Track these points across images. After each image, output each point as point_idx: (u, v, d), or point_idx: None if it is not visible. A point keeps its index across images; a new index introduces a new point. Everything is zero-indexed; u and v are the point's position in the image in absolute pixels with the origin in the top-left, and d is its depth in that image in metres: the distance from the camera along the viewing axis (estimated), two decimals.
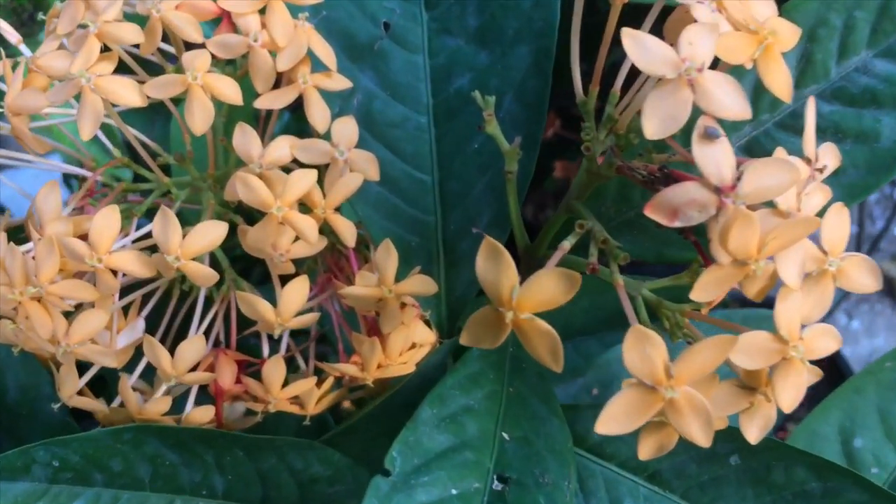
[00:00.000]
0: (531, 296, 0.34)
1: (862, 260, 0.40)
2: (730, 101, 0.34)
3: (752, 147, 0.46)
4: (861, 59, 0.44)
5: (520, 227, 0.47)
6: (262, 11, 0.46)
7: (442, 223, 0.53)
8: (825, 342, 0.39)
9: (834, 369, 1.38)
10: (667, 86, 0.34)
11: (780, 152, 0.37)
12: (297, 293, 0.47)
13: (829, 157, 0.40)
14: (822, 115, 0.44)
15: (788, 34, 0.39)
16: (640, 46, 0.34)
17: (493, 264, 0.35)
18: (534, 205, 1.22)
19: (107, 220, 0.43)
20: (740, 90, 0.35)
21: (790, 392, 0.38)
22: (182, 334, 0.53)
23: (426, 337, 0.53)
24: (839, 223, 0.40)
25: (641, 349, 0.34)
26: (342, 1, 0.52)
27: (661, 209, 0.35)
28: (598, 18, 0.46)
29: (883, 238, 1.33)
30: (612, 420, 0.35)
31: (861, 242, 1.33)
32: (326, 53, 0.47)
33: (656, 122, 0.34)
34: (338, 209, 0.48)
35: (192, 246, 0.43)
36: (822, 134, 0.45)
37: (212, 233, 0.43)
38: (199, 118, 0.43)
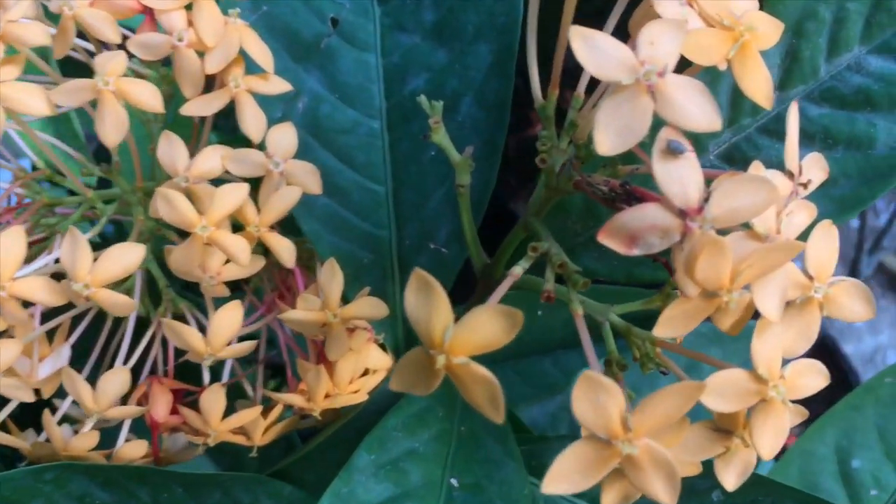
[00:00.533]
0: (466, 337, 0.30)
1: (852, 285, 0.35)
2: (696, 111, 0.30)
3: (733, 154, 0.41)
4: (854, 56, 0.39)
5: (475, 245, 0.42)
6: (190, 7, 0.42)
7: (396, 238, 0.48)
8: (811, 380, 0.35)
9: (836, 369, 1.34)
10: (623, 93, 0.30)
11: (756, 167, 0.32)
12: (228, 321, 0.42)
13: (815, 169, 0.36)
14: (810, 118, 0.40)
15: (769, 30, 0.35)
16: (590, 47, 0.30)
17: (424, 300, 0.30)
18: (526, 200, 1.18)
19: (9, 244, 0.38)
20: (709, 97, 0.30)
21: (770, 437, 0.34)
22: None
23: (381, 362, 0.49)
24: (827, 244, 0.35)
25: (594, 398, 0.30)
26: None
27: (618, 235, 0.30)
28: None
29: (886, 234, 1.28)
30: (562, 477, 0.30)
31: (863, 238, 1.29)
32: (262, 53, 0.43)
33: (611, 134, 0.30)
34: (277, 226, 0.44)
35: (103, 273, 0.38)
36: (811, 140, 0.40)
37: (126, 257, 0.39)
38: (111, 128, 0.39)
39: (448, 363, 0.30)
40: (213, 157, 0.42)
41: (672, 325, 0.32)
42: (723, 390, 0.33)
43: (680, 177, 0.29)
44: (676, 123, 0.30)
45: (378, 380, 0.50)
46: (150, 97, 0.40)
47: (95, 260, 0.39)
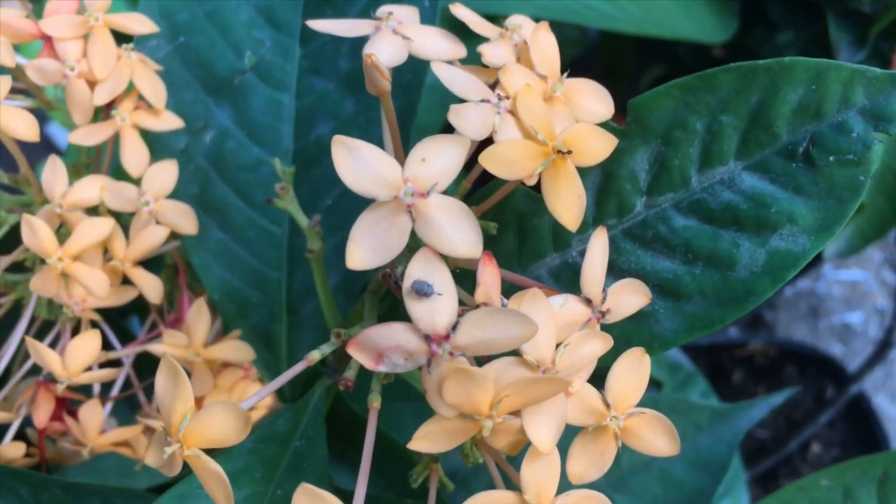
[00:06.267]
0: (199, 431, 0.30)
1: (655, 418, 0.34)
2: (457, 236, 0.29)
3: None
4: (729, 171, 0.37)
5: (329, 307, 0.42)
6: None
7: (287, 280, 0.48)
8: None
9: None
10: (381, 209, 0.29)
11: (533, 294, 0.30)
12: (84, 350, 0.43)
13: (633, 294, 0.34)
14: (674, 229, 0.38)
15: (596, 145, 0.33)
16: (353, 158, 0.29)
17: (171, 386, 0.30)
18: None
19: None
20: (473, 222, 0.29)
21: None
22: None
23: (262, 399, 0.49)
24: (633, 373, 0.33)
25: None
26: (204, 26, 0.47)
27: (365, 349, 0.29)
28: None
29: None
30: None
31: None
32: (152, 90, 0.43)
33: (364, 249, 0.29)
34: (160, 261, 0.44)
35: None
36: (672, 252, 0.38)
37: None
38: None
39: (180, 453, 0.30)
40: (92, 188, 0.43)
41: (430, 440, 0.31)
42: None
43: (431, 304, 0.29)
44: (434, 247, 0.29)
45: (258, 416, 0.50)
46: (24, 127, 0.41)
47: None
